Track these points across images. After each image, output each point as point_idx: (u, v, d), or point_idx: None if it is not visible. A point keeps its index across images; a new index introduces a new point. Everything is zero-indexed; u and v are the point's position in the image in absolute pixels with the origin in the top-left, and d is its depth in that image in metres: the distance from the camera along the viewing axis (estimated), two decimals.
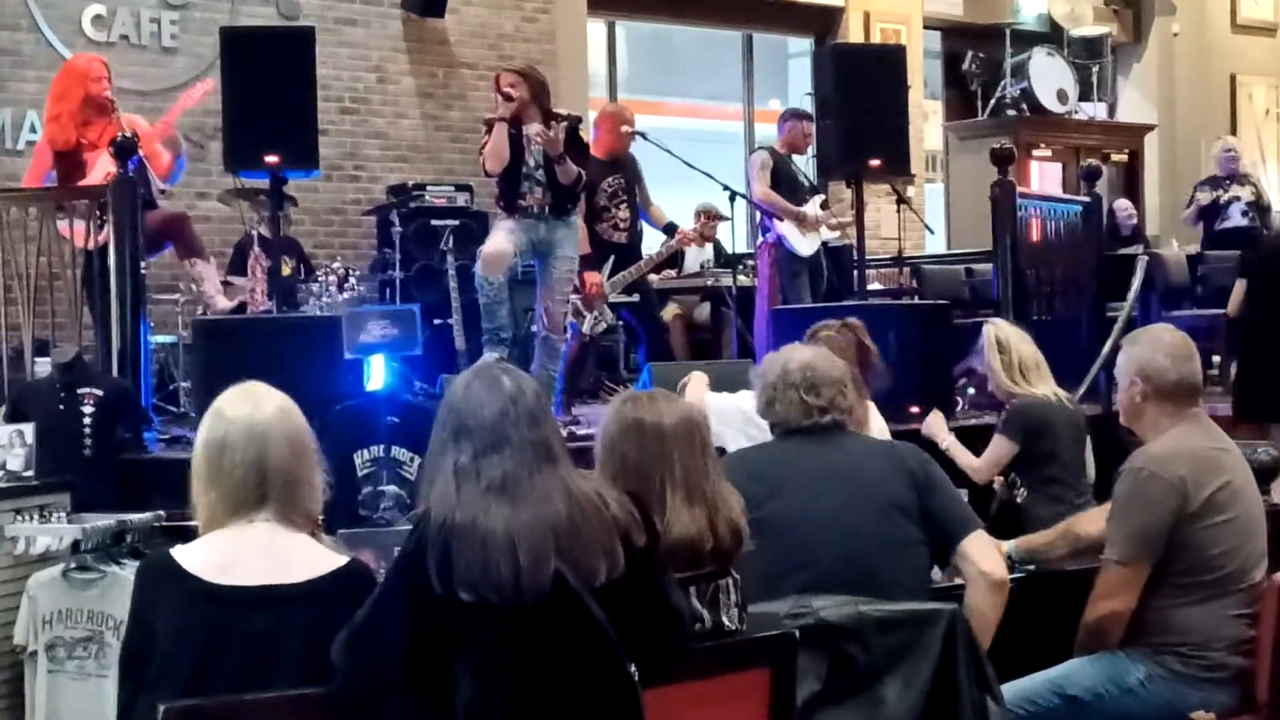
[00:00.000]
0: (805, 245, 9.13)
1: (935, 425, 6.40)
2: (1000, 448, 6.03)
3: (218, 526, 3.02)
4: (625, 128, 9.04)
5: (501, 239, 7.41)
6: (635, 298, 9.10)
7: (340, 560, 3.03)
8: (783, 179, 9.18)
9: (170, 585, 2.94)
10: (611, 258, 8.74)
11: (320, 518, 3.16)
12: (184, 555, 2.99)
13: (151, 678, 2.91)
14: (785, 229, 9.11)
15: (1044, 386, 6.07)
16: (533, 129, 7.41)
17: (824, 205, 9.36)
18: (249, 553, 2.97)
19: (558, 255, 7.56)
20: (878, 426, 5.26)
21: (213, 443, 3.04)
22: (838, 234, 9.35)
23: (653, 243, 9.66)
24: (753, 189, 9.27)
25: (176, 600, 2.92)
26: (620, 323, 9.28)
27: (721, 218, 9.36)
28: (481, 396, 2.84)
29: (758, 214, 9.51)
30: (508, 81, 7.46)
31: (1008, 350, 6.06)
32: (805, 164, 9.68)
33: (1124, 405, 4.23)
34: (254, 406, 3.05)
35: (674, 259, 10.28)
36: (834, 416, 3.88)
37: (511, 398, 2.83)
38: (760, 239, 9.49)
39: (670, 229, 9.32)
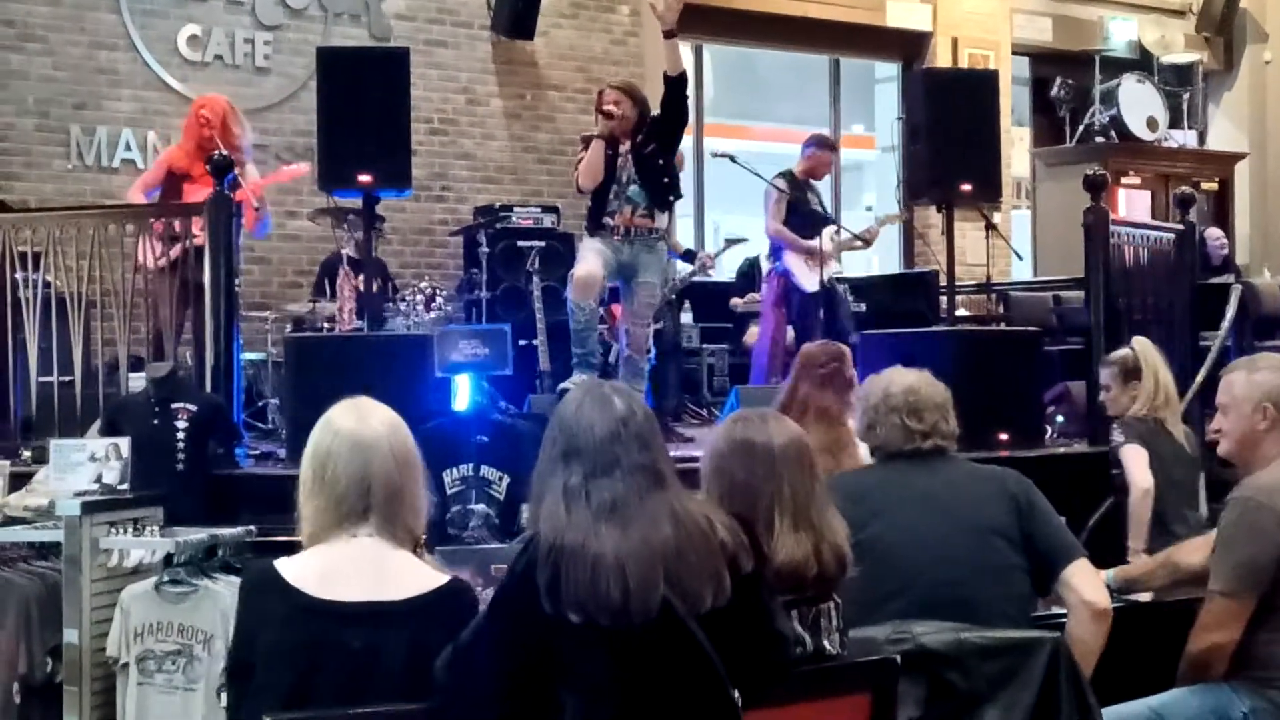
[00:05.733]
0: (811, 281, 9.15)
1: None
2: (1140, 455, 5.92)
3: (321, 539, 3.02)
4: None
5: (591, 261, 7.40)
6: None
7: (442, 578, 3.03)
8: (798, 208, 9.23)
9: (273, 597, 2.96)
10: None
11: (423, 536, 3.15)
12: (287, 567, 3.00)
13: (254, 687, 2.93)
14: (793, 263, 9.17)
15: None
16: (626, 147, 7.42)
17: (837, 233, 9.43)
18: (352, 567, 2.97)
19: (640, 280, 7.56)
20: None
21: (319, 453, 3.06)
22: (859, 245, 9.52)
23: None
24: (766, 221, 9.33)
25: (279, 612, 2.94)
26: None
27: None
28: (593, 417, 2.82)
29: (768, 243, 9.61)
30: (611, 99, 7.46)
31: (1157, 380, 6.03)
32: (824, 190, 9.82)
33: (1240, 433, 4.13)
34: (361, 419, 3.07)
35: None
36: (936, 441, 3.85)
37: (623, 419, 2.82)
38: (769, 268, 9.56)
39: (689, 255, 9.38)
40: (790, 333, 9.22)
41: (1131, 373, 6.16)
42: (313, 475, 3.05)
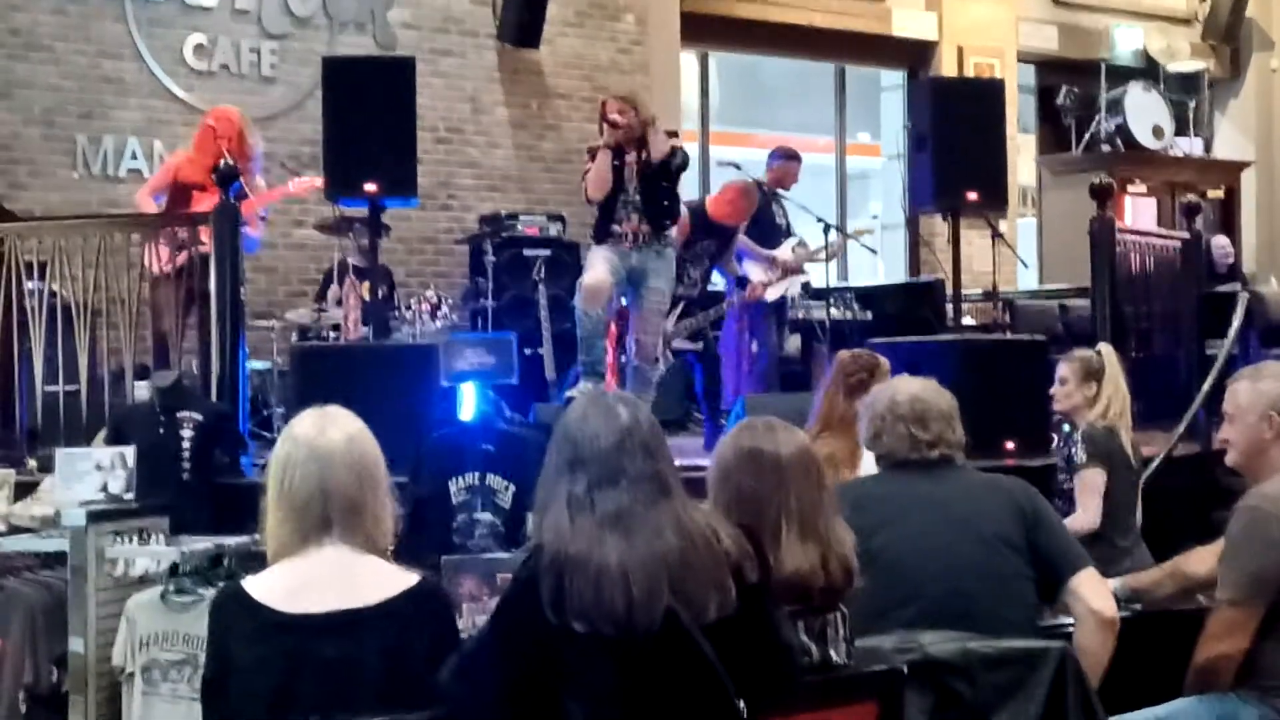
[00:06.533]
0: (771, 291, 9.25)
1: None
2: (1097, 480, 5.84)
3: (286, 553, 3.00)
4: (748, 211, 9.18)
5: (600, 268, 7.40)
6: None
7: (411, 579, 3.00)
8: (761, 218, 9.31)
9: (243, 617, 2.94)
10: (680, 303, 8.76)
11: (389, 548, 3.09)
12: (255, 586, 2.98)
13: (234, 704, 2.92)
14: (753, 273, 9.23)
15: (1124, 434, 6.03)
16: (633, 157, 7.43)
17: (800, 244, 9.54)
18: (319, 579, 2.95)
19: (649, 285, 7.56)
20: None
21: (277, 462, 3.03)
22: (822, 258, 9.54)
23: None
24: None
25: (251, 631, 2.93)
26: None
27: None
28: (597, 427, 2.82)
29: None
30: (615, 108, 7.47)
31: (1118, 388, 6.00)
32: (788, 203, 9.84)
33: (1247, 442, 4.11)
34: (320, 430, 3.03)
35: None
36: (942, 450, 3.83)
37: (627, 429, 2.81)
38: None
39: (743, 282, 9.42)
40: (754, 344, 9.30)
41: (1093, 374, 6.12)
42: (274, 485, 3.02)
